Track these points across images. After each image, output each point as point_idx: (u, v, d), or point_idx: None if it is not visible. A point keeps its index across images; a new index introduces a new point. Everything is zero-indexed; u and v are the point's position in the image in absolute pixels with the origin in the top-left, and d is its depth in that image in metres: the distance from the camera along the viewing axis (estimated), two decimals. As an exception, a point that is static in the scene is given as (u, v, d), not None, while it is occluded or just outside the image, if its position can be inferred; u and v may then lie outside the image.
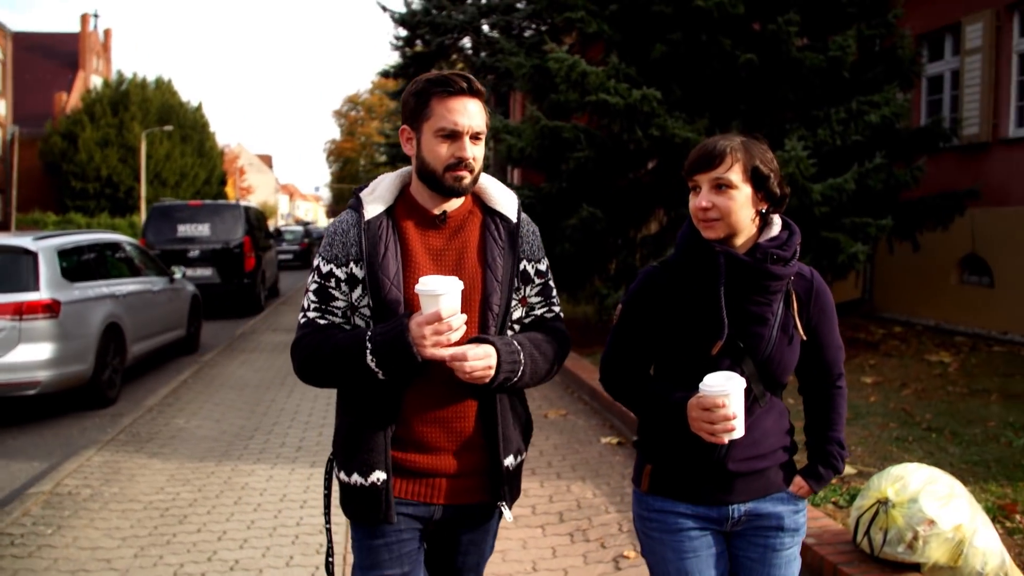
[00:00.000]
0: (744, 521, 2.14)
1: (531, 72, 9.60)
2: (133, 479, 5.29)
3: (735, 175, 2.01)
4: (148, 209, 38.41)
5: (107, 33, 57.74)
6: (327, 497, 2.20)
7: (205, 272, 14.09)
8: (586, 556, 4.04)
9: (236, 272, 14.59)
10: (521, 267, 2.17)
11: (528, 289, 2.21)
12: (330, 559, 2.21)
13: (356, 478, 2.05)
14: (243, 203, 16.15)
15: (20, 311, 6.74)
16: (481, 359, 1.96)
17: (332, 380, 2.11)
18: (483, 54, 26.12)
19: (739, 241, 2.07)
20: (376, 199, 2.12)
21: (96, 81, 51.42)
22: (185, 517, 4.60)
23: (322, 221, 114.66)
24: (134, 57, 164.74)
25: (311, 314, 2.09)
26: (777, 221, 2.13)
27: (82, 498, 4.93)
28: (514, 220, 2.19)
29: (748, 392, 2.05)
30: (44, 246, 7.27)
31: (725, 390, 1.93)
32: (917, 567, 3.23)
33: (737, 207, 2.02)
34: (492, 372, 1.98)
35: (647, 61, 8.95)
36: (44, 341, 6.85)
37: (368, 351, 1.96)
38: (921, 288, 11.38)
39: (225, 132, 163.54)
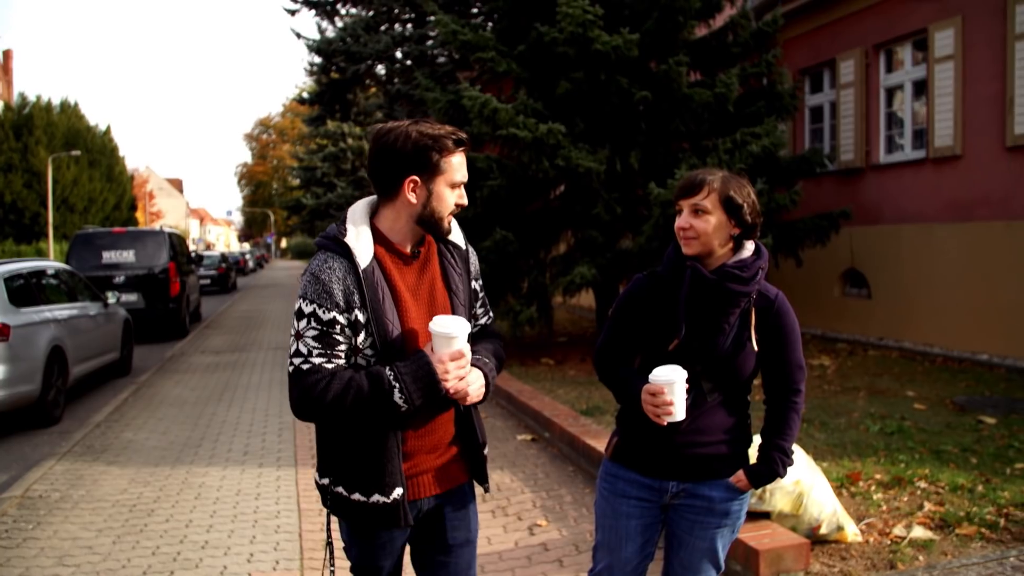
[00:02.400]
0: (680, 496, 2.46)
1: (446, 106, 10.34)
2: (97, 483, 5.83)
3: (710, 202, 2.32)
4: (61, 236, 37.53)
5: (7, 54, 56.24)
6: (329, 517, 2.37)
7: (130, 297, 14.32)
8: (505, 527, 4.79)
9: (161, 297, 14.85)
10: (472, 287, 2.43)
11: (476, 304, 2.47)
12: (332, 568, 2.40)
13: (378, 498, 2.23)
14: (167, 229, 16.41)
15: (-28, 335, 7.15)
16: (477, 386, 2.25)
17: (349, 418, 2.19)
18: (397, 81, 26.72)
19: (712, 260, 2.37)
20: (363, 244, 2.22)
21: (-4, 104, 50.06)
22: (152, 511, 5.18)
23: (234, 245, 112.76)
24: (37, 79, 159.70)
25: (316, 360, 2.16)
26: (750, 246, 2.42)
27: (53, 500, 5.46)
28: (463, 247, 2.41)
29: (697, 387, 2.38)
30: (-9, 274, 7.69)
31: (670, 379, 2.26)
32: (767, 515, 4.08)
33: (710, 229, 2.33)
34: (484, 393, 2.28)
35: (553, 97, 9.80)
36: (-4, 363, 7.27)
37: (396, 389, 2.12)
38: (809, 300, 12.49)
39: (133, 156, 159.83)
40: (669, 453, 2.42)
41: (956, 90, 10.11)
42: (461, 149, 2.25)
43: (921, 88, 10.91)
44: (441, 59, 23.82)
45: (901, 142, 11.38)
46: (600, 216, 9.60)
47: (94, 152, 44.49)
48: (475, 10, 17.88)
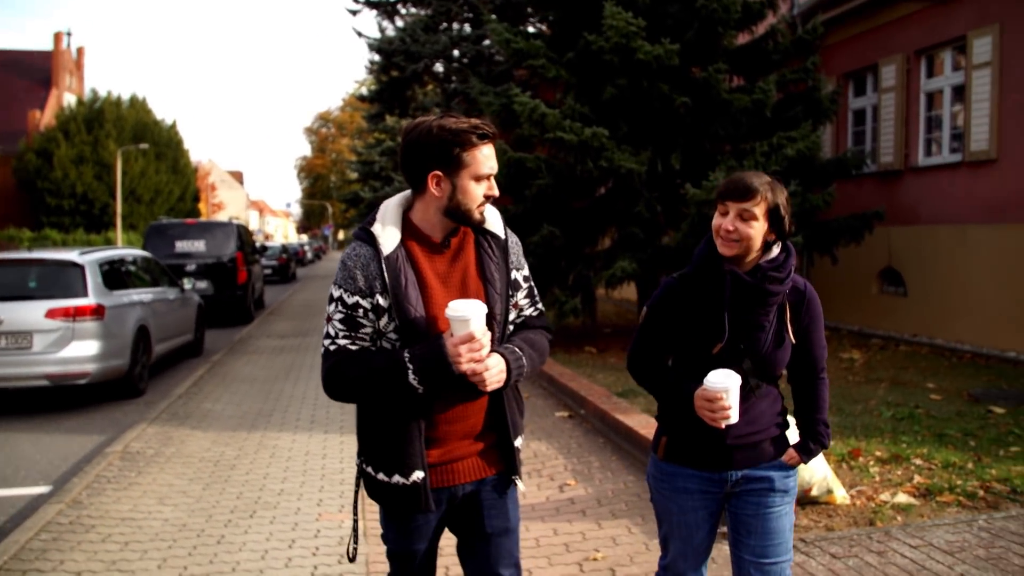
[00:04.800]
0: (741, 483, 2.54)
1: (499, 109, 11.01)
2: (184, 443, 6.67)
3: (759, 210, 2.37)
4: (128, 226, 38.96)
5: (80, 51, 58.10)
6: (357, 494, 2.50)
7: (201, 284, 15.20)
8: (539, 485, 5.46)
9: (229, 285, 15.80)
10: (512, 277, 2.43)
11: (519, 295, 2.48)
12: (355, 545, 2.50)
13: (398, 478, 2.30)
14: (234, 221, 17.37)
15: (73, 314, 8.06)
16: (496, 371, 2.23)
17: (369, 397, 2.30)
18: (454, 79, 27.41)
19: (746, 259, 2.43)
20: (388, 233, 2.29)
21: (69, 99, 51.73)
22: (234, 466, 5.98)
23: (292, 237, 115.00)
24: (106, 75, 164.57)
25: (341, 341, 2.28)
26: (777, 244, 2.49)
27: (149, 455, 6.30)
28: (503, 236, 2.43)
29: (746, 384, 2.44)
30: (89, 259, 8.62)
31: (725, 386, 2.32)
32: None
33: (754, 235, 2.39)
34: (504, 379, 2.27)
35: (599, 101, 10.40)
36: (92, 339, 8.17)
37: (410, 371, 2.18)
38: (848, 297, 12.90)
39: (197, 148, 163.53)
40: (724, 446, 2.50)
41: (992, 96, 10.40)
42: (486, 141, 2.28)
43: (960, 93, 11.21)
44: (498, 58, 24.45)
45: (939, 145, 11.70)
46: (641, 214, 10.17)
47: (161, 145, 45.86)
48: (529, 10, 18.43)
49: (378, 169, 51.21)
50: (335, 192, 78.55)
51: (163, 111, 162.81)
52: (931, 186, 11.60)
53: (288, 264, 32.67)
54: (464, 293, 2.33)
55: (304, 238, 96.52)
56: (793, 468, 2.60)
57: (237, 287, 15.92)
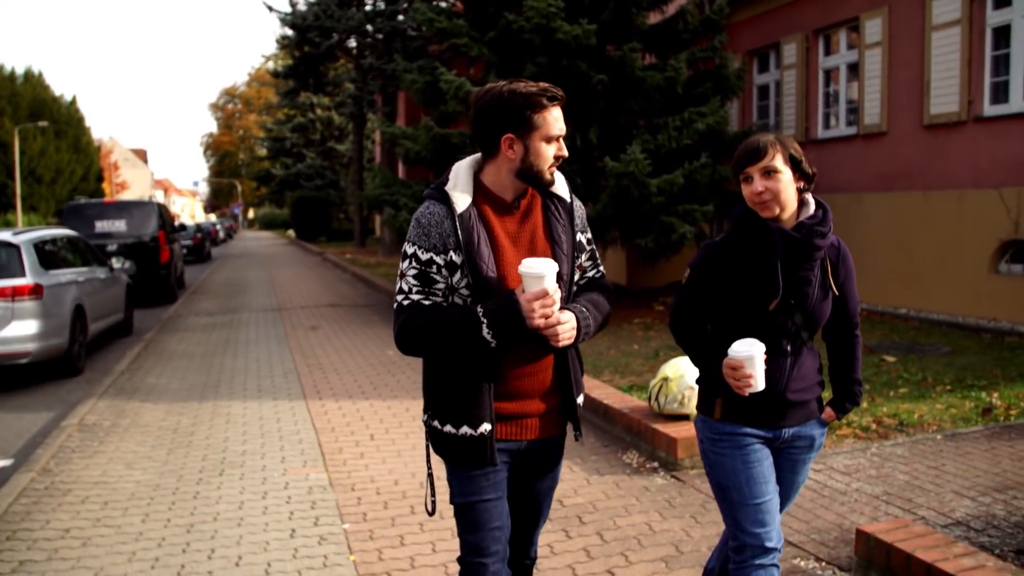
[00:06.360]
0: (789, 440, 2.65)
1: (423, 87, 11.37)
2: (138, 414, 6.90)
3: (778, 162, 2.45)
4: (28, 208, 37.54)
5: (-33, 24, 55.60)
6: (428, 448, 2.55)
7: (123, 265, 15.16)
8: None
9: (152, 264, 15.67)
10: (577, 239, 2.51)
11: (583, 256, 2.56)
12: (433, 499, 2.56)
13: (466, 430, 2.37)
14: (155, 200, 17.21)
15: (11, 294, 8.13)
16: (568, 327, 2.32)
17: (442, 350, 2.35)
18: (368, 54, 27.39)
19: (785, 216, 2.50)
20: (461, 192, 2.36)
21: (-43, 74, 49.60)
22: (193, 433, 6.27)
23: (199, 216, 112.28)
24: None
25: (415, 296, 2.34)
26: (811, 201, 2.57)
27: (106, 427, 6.53)
28: (568, 200, 2.51)
29: (797, 338, 2.56)
30: (23, 239, 8.68)
31: (749, 354, 2.39)
32: (687, 417, 5.25)
33: (784, 187, 2.46)
34: (574, 335, 2.35)
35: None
36: (32, 319, 8.26)
37: (484, 324, 2.25)
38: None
39: (97, 126, 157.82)
40: (782, 404, 2.58)
41: (883, 73, 11.24)
42: (555, 104, 2.35)
43: (855, 70, 12.03)
44: (412, 34, 24.55)
45: (837, 119, 12.53)
46: (562, 187, 10.67)
47: (60, 123, 44.27)
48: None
49: (289, 145, 50.40)
50: (244, 170, 77.17)
51: (61, 87, 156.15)
52: (829, 157, 12.40)
53: (203, 243, 32.19)
54: (533, 252, 2.41)
55: (212, 217, 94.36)
56: (827, 425, 2.74)
57: (160, 266, 15.81)
